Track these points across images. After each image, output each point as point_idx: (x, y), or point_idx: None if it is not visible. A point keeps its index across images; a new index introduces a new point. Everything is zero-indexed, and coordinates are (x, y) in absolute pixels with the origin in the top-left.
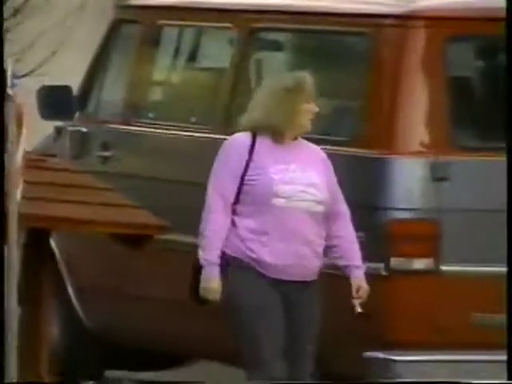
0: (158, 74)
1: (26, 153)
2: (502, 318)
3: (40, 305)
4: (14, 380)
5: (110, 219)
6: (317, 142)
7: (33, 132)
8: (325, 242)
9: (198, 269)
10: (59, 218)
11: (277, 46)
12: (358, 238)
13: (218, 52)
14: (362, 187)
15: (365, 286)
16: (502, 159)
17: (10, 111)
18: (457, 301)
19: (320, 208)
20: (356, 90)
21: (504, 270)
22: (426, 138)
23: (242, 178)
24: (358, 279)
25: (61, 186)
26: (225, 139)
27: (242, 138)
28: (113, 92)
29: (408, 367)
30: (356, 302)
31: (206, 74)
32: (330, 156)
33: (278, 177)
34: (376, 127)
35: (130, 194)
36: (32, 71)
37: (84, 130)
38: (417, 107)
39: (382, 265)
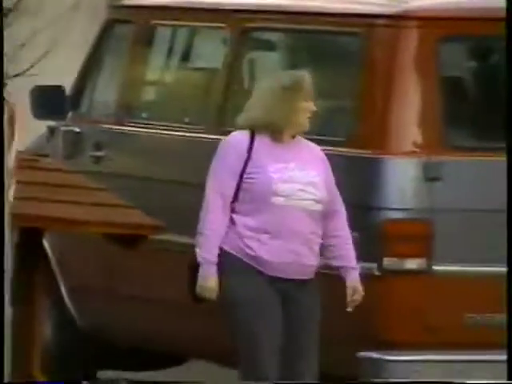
0: (151, 74)
1: (19, 153)
2: (494, 317)
3: (33, 305)
4: (5, 380)
5: (103, 219)
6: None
7: (25, 132)
8: (321, 240)
9: (195, 267)
10: (52, 218)
11: (270, 46)
12: (352, 237)
13: (211, 52)
14: (355, 187)
15: (360, 289)
16: (495, 159)
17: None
18: (449, 301)
19: (318, 207)
20: (348, 90)
21: (497, 269)
22: (418, 138)
23: (241, 176)
24: (354, 282)
25: (54, 186)
26: (218, 139)
27: (241, 136)
28: (106, 92)
29: (401, 367)
30: (350, 305)
31: (199, 74)
32: None
33: (277, 175)
34: (369, 127)
35: (124, 194)
36: (25, 71)
37: (77, 129)
38: (409, 107)
39: (374, 265)
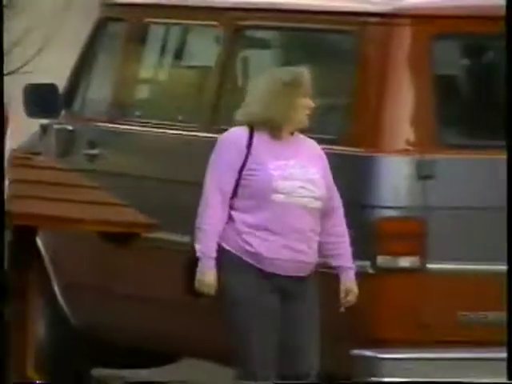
0: (145, 72)
1: (12, 151)
2: (487, 315)
3: (26, 303)
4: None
5: (97, 217)
6: None
7: (19, 130)
8: (319, 238)
9: (192, 262)
10: (46, 216)
11: (263, 44)
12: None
13: (204, 50)
14: (348, 185)
15: (355, 290)
16: (488, 157)
17: None
18: (443, 299)
19: (318, 204)
20: (342, 88)
21: (491, 267)
22: (411, 136)
23: (240, 172)
24: (349, 282)
25: (47, 184)
26: (211, 137)
27: (240, 131)
28: (99, 90)
29: (394, 365)
30: (343, 305)
31: (193, 72)
32: None
33: (278, 173)
34: (362, 125)
35: (118, 192)
36: (18, 69)
37: (70, 128)
38: (403, 105)
39: (368, 263)
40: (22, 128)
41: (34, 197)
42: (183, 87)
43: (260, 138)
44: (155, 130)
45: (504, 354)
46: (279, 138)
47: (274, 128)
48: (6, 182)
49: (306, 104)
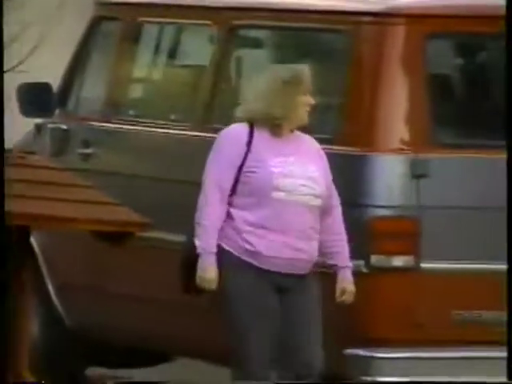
0: (138, 72)
1: (6, 150)
2: (482, 314)
3: (20, 303)
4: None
5: (91, 216)
6: None
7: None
8: (318, 236)
9: (189, 261)
10: (40, 215)
11: (257, 44)
12: None
13: (198, 49)
14: (342, 184)
15: (351, 289)
16: (482, 156)
17: None
18: (437, 298)
19: (318, 202)
20: (335, 87)
21: (485, 266)
22: (405, 135)
23: (240, 169)
24: (345, 281)
25: (41, 184)
26: (205, 136)
27: (240, 128)
28: (93, 89)
29: (388, 364)
30: (339, 304)
31: (187, 72)
32: None
33: (278, 170)
34: (356, 125)
35: (111, 192)
36: (12, 68)
37: (64, 127)
38: (396, 104)
39: (362, 262)
40: (16, 127)
41: (27, 196)
42: (177, 86)
43: (260, 135)
44: (149, 129)
45: (498, 353)
46: (279, 136)
47: (275, 125)
48: None
49: (306, 101)
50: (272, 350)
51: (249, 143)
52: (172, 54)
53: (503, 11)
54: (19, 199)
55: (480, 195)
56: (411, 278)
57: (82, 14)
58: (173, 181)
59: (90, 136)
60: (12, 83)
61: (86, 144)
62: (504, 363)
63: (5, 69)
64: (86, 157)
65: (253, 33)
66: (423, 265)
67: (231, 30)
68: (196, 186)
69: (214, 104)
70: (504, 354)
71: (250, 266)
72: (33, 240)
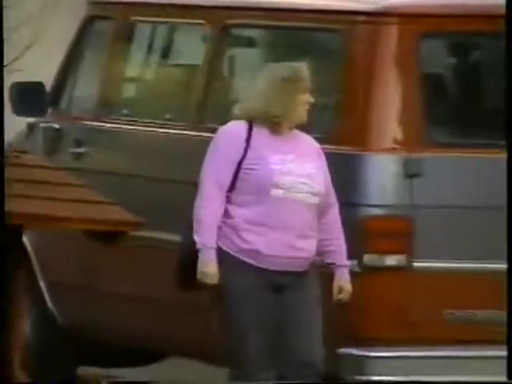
0: (131, 71)
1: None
2: (475, 313)
3: (13, 302)
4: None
5: (83, 216)
6: None
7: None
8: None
9: (187, 258)
10: (32, 214)
11: (250, 43)
12: None
13: (191, 49)
14: (335, 184)
15: (347, 288)
16: (476, 155)
17: None
18: (430, 297)
19: (316, 200)
20: (329, 86)
21: (478, 266)
22: (399, 135)
23: (239, 166)
24: (342, 280)
25: (34, 183)
26: (199, 135)
27: (238, 125)
28: (86, 88)
29: (381, 363)
30: (336, 303)
31: (180, 71)
32: None
33: (278, 167)
34: (349, 124)
35: (104, 191)
36: (5, 66)
37: (57, 126)
38: (390, 104)
39: (355, 261)
40: (9, 126)
41: (20, 195)
42: (170, 86)
43: (259, 133)
44: (142, 128)
45: (491, 352)
46: (278, 134)
47: (274, 123)
48: None
49: (305, 99)
50: (271, 349)
51: (248, 140)
52: (165, 53)
53: (497, 10)
54: (12, 198)
55: (473, 194)
56: (404, 277)
57: (74, 13)
58: (166, 180)
59: (83, 135)
60: (4, 82)
61: (79, 143)
62: (497, 362)
63: None
64: (79, 156)
65: (246, 32)
66: (416, 264)
67: (224, 29)
68: (190, 185)
69: (207, 103)
70: (497, 353)
71: (248, 265)
72: (25, 239)
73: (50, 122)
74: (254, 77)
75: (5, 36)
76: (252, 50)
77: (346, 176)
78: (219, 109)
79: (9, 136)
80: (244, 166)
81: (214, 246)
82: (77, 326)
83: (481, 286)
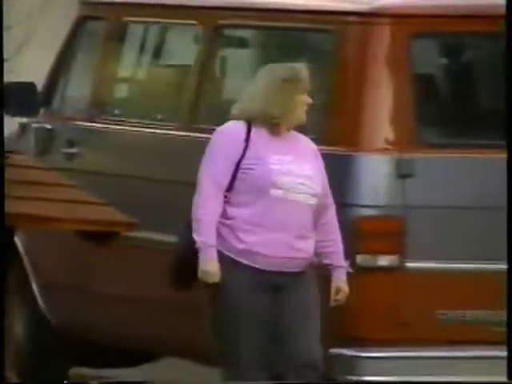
0: (124, 71)
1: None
2: (466, 314)
3: (4, 303)
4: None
5: (76, 216)
6: None
7: None
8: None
9: (183, 258)
10: (24, 215)
11: (242, 43)
12: None
13: (183, 49)
14: (329, 184)
15: (345, 289)
16: (467, 156)
17: None
18: (422, 297)
19: (314, 200)
20: (321, 87)
21: (470, 266)
22: (391, 135)
23: (237, 166)
24: (340, 281)
25: (27, 183)
26: (191, 136)
27: (237, 125)
28: (78, 89)
29: (374, 364)
30: (333, 304)
31: (172, 71)
32: None
33: (277, 167)
34: (341, 124)
35: (96, 191)
36: None
37: (49, 126)
38: (382, 104)
39: (347, 262)
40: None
41: (12, 196)
42: (162, 86)
43: (258, 133)
44: (134, 128)
45: (483, 353)
46: (277, 134)
47: (273, 124)
48: None
49: (304, 100)
50: (269, 350)
51: (247, 140)
52: (157, 53)
53: (489, 10)
54: (4, 199)
55: (465, 195)
56: (396, 277)
57: (66, 13)
58: (159, 180)
59: (75, 135)
60: None
61: (71, 143)
62: (489, 362)
63: None
64: (71, 156)
65: (238, 32)
66: (408, 264)
67: (216, 30)
68: (182, 185)
69: (199, 104)
70: (489, 353)
71: (245, 266)
72: (17, 240)
73: (42, 122)
74: (246, 77)
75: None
76: (244, 51)
77: (338, 176)
78: (211, 109)
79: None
80: (242, 166)
81: (215, 244)
82: (68, 327)
83: (473, 286)
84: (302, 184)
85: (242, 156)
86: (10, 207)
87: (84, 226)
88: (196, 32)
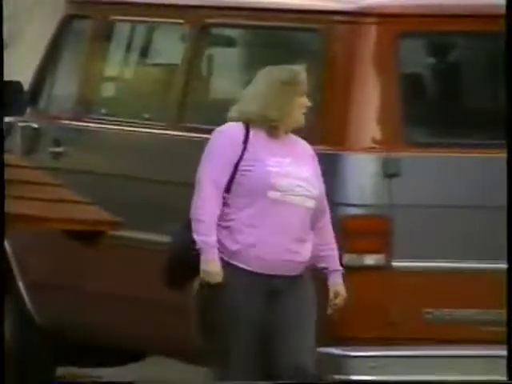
0: (110, 70)
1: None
2: (453, 313)
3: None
4: None
5: (63, 216)
6: None
7: None
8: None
9: (179, 258)
10: (11, 215)
11: (229, 42)
12: None
13: (170, 48)
14: None
15: (342, 292)
16: (454, 155)
17: None
18: (409, 296)
19: (312, 203)
20: (308, 86)
21: (456, 265)
22: (378, 134)
23: (236, 168)
24: (338, 285)
25: (13, 183)
26: (178, 135)
27: (236, 127)
28: (64, 88)
29: (361, 362)
30: (331, 308)
31: (159, 70)
32: None
33: (275, 169)
34: (328, 123)
35: (83, 191)
36: None
37: (35, 125)
38: (369, 104)
39: None
40: None
41: None
42: (149, 85)
43: (256, 135)
44: (121, 127)
45: (471, 352)
46: (276, 137)
47: (271, 127)
48: None
49: (302, 103)
50: (263, 353)
51: (245, 142)
52: (144, 52)
53: (476, 10)
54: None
55: (452, 194)
56: (383, 276)
57: (53, 12)
58: (146, 180)
59: (62, 135)
60: None
61: (57, 143)
62: (478, 361)
63: None
64: (57, 155)
65: (225, 31)
66: (395, 263)
67: (203, 29)
68: (170, 184)
69: (186, 103)
70: (478, 352)
71: (241, 270)
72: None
73: (28, 121)
74: (233, 76)
75: None
76: (231, 50)
77: (325, 175)
78: (198, 108)
79: None
80: (241, 167)
81: (216, 244)
82: (56, 327)
83: (460, 285)
84: (300, 186)
85: (240, 158)
86: None
87: (70, 226)
88: (183, 31)
